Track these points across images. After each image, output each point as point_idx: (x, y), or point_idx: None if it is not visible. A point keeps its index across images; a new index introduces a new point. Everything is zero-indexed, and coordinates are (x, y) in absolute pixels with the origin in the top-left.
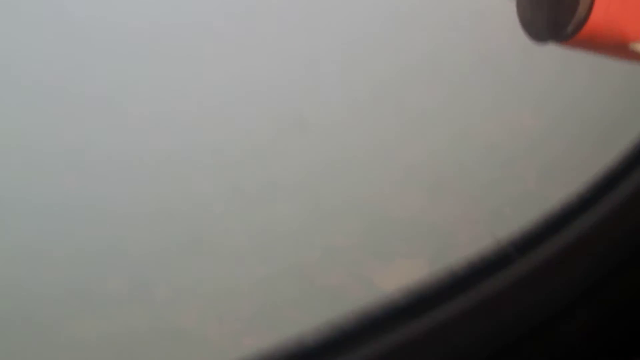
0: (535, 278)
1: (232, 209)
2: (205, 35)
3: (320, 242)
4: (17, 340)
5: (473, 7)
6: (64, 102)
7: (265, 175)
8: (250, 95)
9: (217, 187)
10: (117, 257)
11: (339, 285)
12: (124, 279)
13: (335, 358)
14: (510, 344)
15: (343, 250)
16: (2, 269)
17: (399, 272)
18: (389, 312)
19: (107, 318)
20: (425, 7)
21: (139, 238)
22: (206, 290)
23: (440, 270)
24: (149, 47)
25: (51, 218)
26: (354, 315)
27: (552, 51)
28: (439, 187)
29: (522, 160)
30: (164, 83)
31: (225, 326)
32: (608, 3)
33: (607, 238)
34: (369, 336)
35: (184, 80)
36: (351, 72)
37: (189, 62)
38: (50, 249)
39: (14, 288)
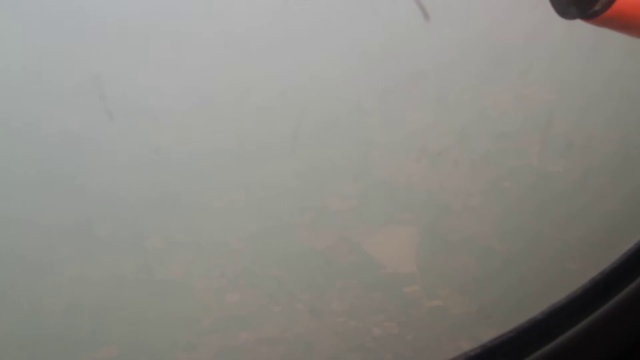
0: None
1: (229, 164)
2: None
3: (315, 204)
4: (7, 278)
5: None
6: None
7: (263, 133)
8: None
9: (215, 141)
10: (109, 204)
11: (327, 249)
12: (115, 225)
13: None
14: None
15: (336, 213)
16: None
17: (389, 239)
18: None
19: (95, 263)
20: None
21: (133, 185)
22: (196, 243)
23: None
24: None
25: (49, 159)
26: None
27: (564, 22)
28: (441, 155)
29: (525, 134)
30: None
31: (211, 281)
32: None
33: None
34: None
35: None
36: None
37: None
38: (46, 188)
39: (8, 227)
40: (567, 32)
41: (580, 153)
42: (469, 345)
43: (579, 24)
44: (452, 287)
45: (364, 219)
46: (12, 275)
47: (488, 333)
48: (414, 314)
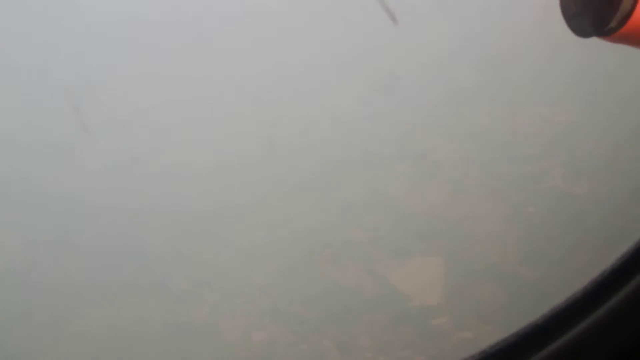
0: None
1: (251, 202)
2: None
3: (338, 237)
4: (30, 329)
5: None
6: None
7: (285, 169)
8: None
9: (237, 181)
10: (133, 249)
11: (353, 283)
12: (140, 270)
13: None
14: None
15: (360, 245)
16: (19, 260)
17: (415, 271)
18: None
19: (120, 309)
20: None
21: (156, 230)
22: (221, 284)
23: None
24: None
25: (70, 211)
26: None
27: (581, 42)
28: (461, 183)
29: (548, 157)
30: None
31: (237, 320)
32: None
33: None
34: None
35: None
36: (372, 64)
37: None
38: (69, 240)
39: (30, 278)
40: (585, 52)
41: (604, 173)
42: None
43: (597, 43)
44: (480, 317)
45: (388, 251)
46: (37, 327)
47: None
48: (443, 346)
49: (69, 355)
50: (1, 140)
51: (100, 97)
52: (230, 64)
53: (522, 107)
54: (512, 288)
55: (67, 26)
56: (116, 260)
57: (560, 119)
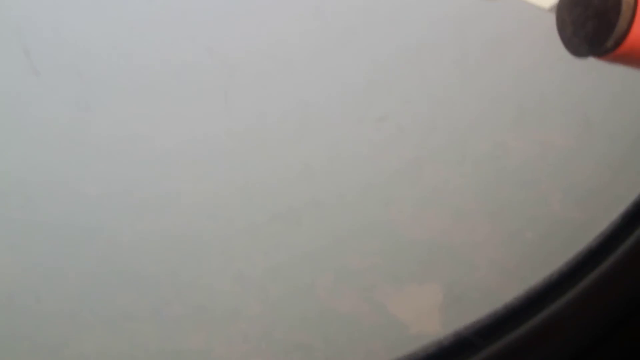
0: None
1: (249, 227)
2: None
3: (334, 263)
4: (24, 355)
5: (509, 19)
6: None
7: (283, 195)
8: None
9: (235, 205)
10: (127, 273)
11: (351, 310)
12: (134, 295)
13: None
14: None
15: (357, 272)
16: (8, 283)
17: (412, 298)
18: None
19: (116, 334)
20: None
21: (151, 254)
22: (216, 310)
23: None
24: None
25: (63, 234)
26: None
27: (586, 64)
28: (460, 209)
29: (546, 182)
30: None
31: (233, 347)
32: None
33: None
34: None
35: None
36: (374, 89)
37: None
38: (60, 264)
39: (19, 303)
40: (584, 75)
41: (603, 198)
42: None
43: (596, 65)
44: None
45: (386, 278)
46: (27, 354)
47: None
48: None
49: None
50: None
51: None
52: None
53: (520, 131)
54: None
55: None
56: (112, 286)
57: (559, 144)
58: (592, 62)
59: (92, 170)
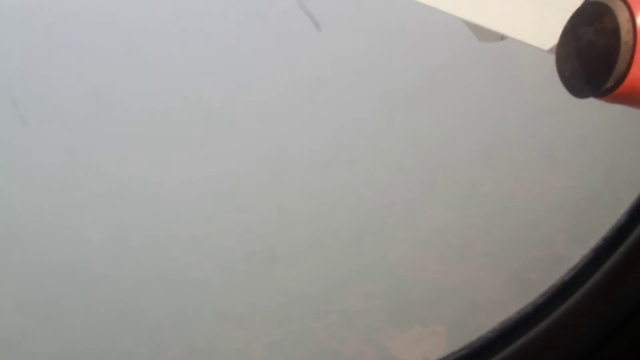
0: None
1: (250, 270)
2: None
3: (338, 306)
4: None
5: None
6: None
7: (283, 236)
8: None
9: (235, 247)
10: (133, 316)
11: (354, 353)
12: (139, 338)
13: None
14: None
15: (360, 314)
16: (9, 326)
17: (416, 340)
18: None
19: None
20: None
21: (155, 298)
22: (219, 354)
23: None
24: None
25: (68, 277)
26: None
27: (580, 106)
28: (462, 249)
29: (550, 222)
30: None
31: None
32: None
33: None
34: None
35: None
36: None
37: None
38: (67, 307)
39: (20, 346)
40: (584, 116)
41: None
42: None
43: (596, 105)
44: None
45: (388, 320)
46: None
47: None
48: None
49: None
50: None
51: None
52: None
53: (522, 172)
54: None
55: None
56: (114, 328)
57: (561, 184)
58: (592, 103)
59: (79, 213)
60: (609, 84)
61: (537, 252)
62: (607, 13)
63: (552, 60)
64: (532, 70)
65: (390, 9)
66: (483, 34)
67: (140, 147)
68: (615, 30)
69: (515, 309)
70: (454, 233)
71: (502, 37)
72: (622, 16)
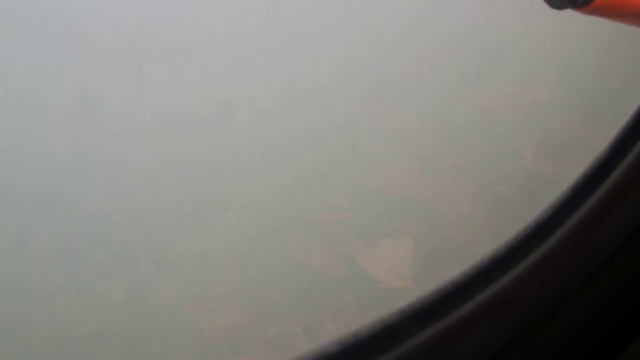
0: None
1: (219, 182)
2: None
3: (306, 218)
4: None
5: None
6: None
7: (251, 151)
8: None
9: (206, 157)
10: (100, 228)
11: (321, 265)
12: (107, 251)
13: None
14: None
15: (328, 227)
16: None
17: (384, 252)
18: None
19: (86, 293)
20: None
21: (123, 208)
22: (188, 266)
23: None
24: None
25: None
26: None
27: (552, 16)
28: (431, 162)
29: (519, 136)
30: None
31: (203, 304)
32: None
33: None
34: None
35: None
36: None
37: None
38: (37, 216)
39: None
40: (557, 26)
41: (575, 152)
42: None
43: (569, 16)
44: None
45: (356, 232)
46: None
47: None
48: None
49: (35, 341)
50: None
51: None
52: None
53: (491, 85)
54: None
55: None
56: (85, 243)
57: (531, 97)
58: (565, 15)
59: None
60: None
61: (506, 165)
62: None
63: None
64: None
65: None
66: None
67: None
68: None
69: (483, 222)
70: (423, 146)
71: None
72: None
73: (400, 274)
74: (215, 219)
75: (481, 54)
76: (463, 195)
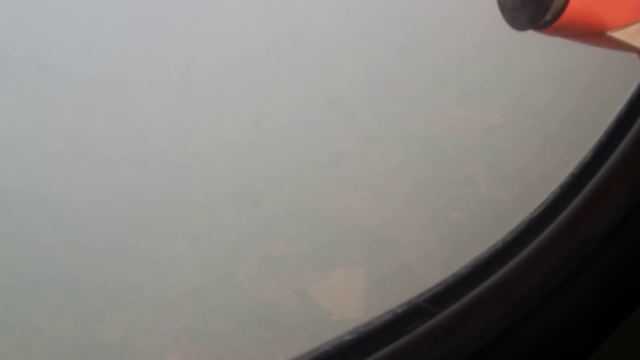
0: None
1: (170, 214)
2: None
3: (258, 251)
4: None
5: None
6: None
7: (206, 181)
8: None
9: (156, 191)
10: (47, 263)
11: (272, 298)
12: (54, 288)
13: None
14: None
15: (280, 259)
16: None
17: (336, 283)
18: None
19: (35, 332)
20: None
21: (71, 242)
22: (137, 301)
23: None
24: None
25: None
26: None
27: (509, 39)
28: (385, 190)
29: (473, 161)
30: None
31: (152, 341)
32: None
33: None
34: None
35: None
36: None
37: None
38: None
39: None
40: (513, 50)
41: (529, 177)
42: None
43: (527, 39)
44: None
45: (309, 264)
46: None
47: None
48: None
49: None
50: None
51: None
52: None
53: (446, 111)
54: None
55: None
56: (29, 283)
57: (486, 122)
58: (526, 36)
59: None
60: (547, 17)
61: (459, 192)
62: None
63: None
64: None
65: None
66: None
67: None
68: None
69: (436, 250)
70: (377, 173)
71: None
72: None
73: (352, 305)
74: (167, 252)
75: (439, 79)
76: (416, 223)
